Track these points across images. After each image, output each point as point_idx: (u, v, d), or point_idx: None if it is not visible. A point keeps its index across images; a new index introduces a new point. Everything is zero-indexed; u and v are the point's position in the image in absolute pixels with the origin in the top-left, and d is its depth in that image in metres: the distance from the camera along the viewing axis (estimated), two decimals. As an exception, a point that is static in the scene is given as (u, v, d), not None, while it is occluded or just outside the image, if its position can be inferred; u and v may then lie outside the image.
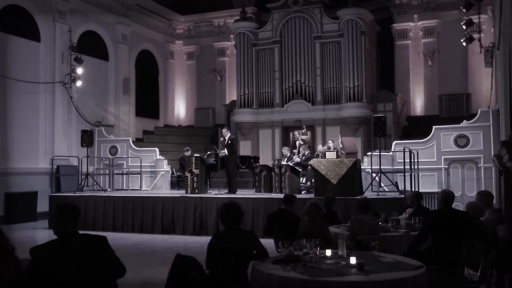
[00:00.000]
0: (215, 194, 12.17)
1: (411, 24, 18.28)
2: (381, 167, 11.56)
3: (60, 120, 15.60)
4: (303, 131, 14.32)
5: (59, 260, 3.33)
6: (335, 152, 11.69)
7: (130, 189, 14.79)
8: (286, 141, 17.42)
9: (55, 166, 14.54)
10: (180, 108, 21.79)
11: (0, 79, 13.87)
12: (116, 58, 18.38)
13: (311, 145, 15.69)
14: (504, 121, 8.88)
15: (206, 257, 4.34)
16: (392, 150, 13.13)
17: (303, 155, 12.60)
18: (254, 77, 18.25)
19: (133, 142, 16.58)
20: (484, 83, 16.24)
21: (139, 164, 14.91)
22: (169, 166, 15.27)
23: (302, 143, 13.47)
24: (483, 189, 11.24)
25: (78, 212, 3.60)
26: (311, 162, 11.41)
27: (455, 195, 6.28)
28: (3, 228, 3.50)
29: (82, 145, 13.91)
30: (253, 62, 18.32)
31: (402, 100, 17.81)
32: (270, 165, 13.03)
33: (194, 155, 12.61)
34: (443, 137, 12.88)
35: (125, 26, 18.62)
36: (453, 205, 5.69)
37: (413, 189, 11.20)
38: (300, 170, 12.50)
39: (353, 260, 4.02)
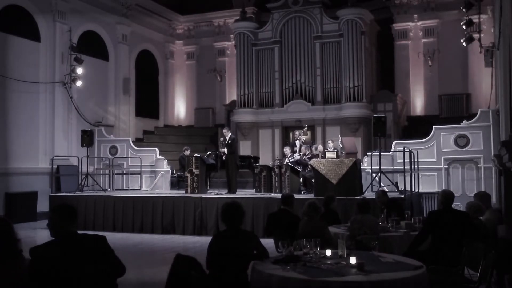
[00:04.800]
0: (215, 194, 12.17)
1: (411, 24, 18.28)
2: (381, 167, 11.57)
3: (60, 120, 15.60)
4: (304, 130, 14.26)
5: (59, 260, 3.34)
6: (335, 152, 11.69)
7: (130, 189, 14.79)
8: (286, 141, 17.39)
9: (55, 166, 14.54)
10: (180, 108, 21.79)
11: (0, 79, 13.87)
12: (116, 58, 18.38)
13: (311, 145, 15.65)
14: (504, 121, 8.88)
15: (206, 257, 4.34)
16: (392, 150, 13.13)
17: (304, 154, 12.58)
18: (254, 77, 18.25)
19: (133, 142, 16.57)
20: (484, 83, 16.24)
21: (139, 164, 14.90)
22: (169, 166, 15.27)
23: (301, 143, 13.42)
24: (483, 189, 11.27)
25: (75, 212, 3.61)
26: (311, 162, 11.42)
27: (455, 195, 6.28)
28: (15, 229, 3.49)
29: (82, 145, 13.91)
30: (253, 62, 18.31)
31: (402, 100, 17.81)
32: (270, 165, 13.03)
33: (194, 155, 12.62)
34: (443, 137, 12.88)
35: (125, 26, 18.62)
36: (453, 205, 5.70)
37: (413, 190, 11.21)
38: (300, 170, 12.50)
39: (353, 260, 4.02)
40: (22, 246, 3.45)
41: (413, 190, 11.19)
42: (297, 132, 13.90)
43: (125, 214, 12.12)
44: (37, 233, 11.90)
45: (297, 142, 13.31)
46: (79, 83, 15.78)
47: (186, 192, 12.22)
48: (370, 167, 12.03)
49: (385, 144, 15.15)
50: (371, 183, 11.38)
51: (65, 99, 15.79)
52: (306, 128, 14.36)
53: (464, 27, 13.86)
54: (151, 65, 20.69)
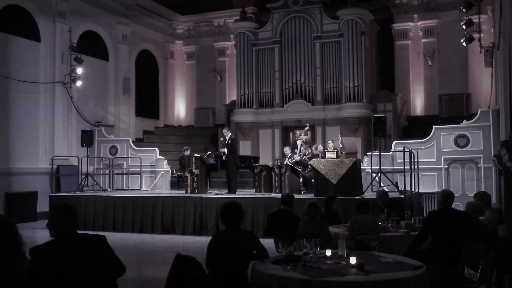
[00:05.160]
0: (215, 194, 12.17)
1: (411, 24, 18.28)
2: (381, 167, 11.57)
3: (60, 120, 15.60)
4: (305, 130, 14.20)
5: (59, 260, 3.33)
6: (335, 152, 11.69)
7: (130, 189, 14.79)
8: (286, 141, 17.40)
9: (55, 166, 14.53)
10: (180, 108, 21.79)
11: (0, 79, 13.87)
12: (116, 58, 18.38)
13: (310, 145, 15.64)
14: (504, 121, 8.88)
15: (206, 257, 4.34)
16: (392, 150, 13.13)
17: (304, 154, 12.58)
18: (254, 77, 18.25)
19: (133, 142, 16.58)
20: (484, 83, 16.24)
21: (139, 164, 14.91)
22: (169, 166, 15.27)
23: (303, 142, 13.37)
24: (483, 189, 11.26)
25: (75, 212, 3.61)
26: (311, 162, 11.42)
27: (455, 195, 6.28)
28: (19, 230, 3.44)
29: (82, 145, 13.91)
30: (253, 62, 18.32)
31: (402, 100, 17.81)
32: (270, 165, 13.02)
33: (194, 155, 12.62)
34: (443, 137, 12.88)
35: (125, 26, 18.62)
36: (453, 205, 5.70)
37: (413, 190, 11.21)
38: (300, 170, 12.49)
39: (353, 260, 4.02)
40: (25, 250, 3.42)
41: (413, 190, 11.19)
42: (297, 132, 13.87)
43: (125, 214, 12.12)
44: (37, 233, 11.90)
45: (298, 142, 13.30)
46: (79, 83, 15.78)
47: (186, 192, 12.22)
48: (370, 167, 12.03)
49: (385, 144, 15.15)
50: (371, 183, 11.38)
51: (65, 99, 15.79)
52: (307, 128, 14.29)
53: (464, 27, 13.86)
54: (151, 65, 20.69)
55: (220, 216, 4.53)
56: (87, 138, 13.79)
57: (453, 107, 17.38)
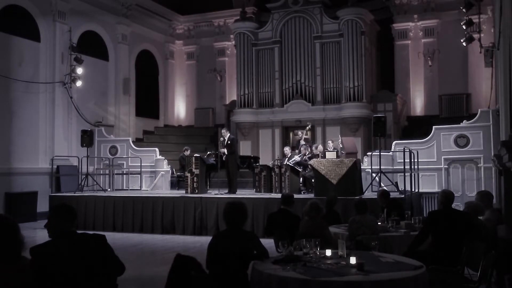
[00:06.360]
0: (215, 194, 12.17)
1: (411, 24, 18.28)
2: (381, 167, 11.56)
3: (60, 120, 15.60)
4: (307, 128, 14.14)
5: (59, 259, 3.33)
6: (335, 152, 11.68)
7: (130, 189, 14.79)
8: (286, 141, 17.41)
9: (55, 166, 14.54)
10: (180, 108, 21.79)
11: (1, 79, 13.87)
12: (116, 58, 18.38)
13: (310, 145, 15.63)
14: (504, 121, 8.88)
15: (206, 257, 4.34)
16: (392, 150, 13.13)
17: (304, 154, 12.59)
18: (254, 77, 18.25)
19: (133, 142, 16.58)
20: (484, 83, 16.25)
21: (139, 164, 14.91)
22: (169, 166, 15.27)
23: (304, 142, 13.37)
24: (483, 189, 11.25)
25: (75, 212, 3.61)
26: (311, 162, 11.42)
27: (455, 195, 6.29)
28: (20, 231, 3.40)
29: (82, 145, 13.91)
30: (253, 62, 18.31)
31: (402, 100, 17.81)
32: (270, 165, 13.02)
33: (194, 155, 12.62)
34: (443, 137, 12.88)
35: (125, 26, 18.62)
36: (453, 205, 5.70)
37: (413, 190, 11.21)
38: (300, 170, 12.49)
39: (353, 260, 4.02)
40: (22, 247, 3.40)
41: (413, 190, 11.19)
42: (300, 132, 13.85)
43: (125, 214, 12.12)
44: (37, 233, 11.88)
45: (301, 142, 13.30)
46: (79, 83, 15.79)
47: (186, 192, 12.23)
48: (370, 167, 12.03)
49: (385, 144, 15.15)
50: (371, 183, 11.38)
51: (65, 99, 15.79)
52: (309, 127, 14.23)
53: (464, 27, 13.87)
54: (151, 65, 20.69)
55: (223, 215, 4.53)
56: (87, 138, 13.79)
57: (453, 107, 17.38)
